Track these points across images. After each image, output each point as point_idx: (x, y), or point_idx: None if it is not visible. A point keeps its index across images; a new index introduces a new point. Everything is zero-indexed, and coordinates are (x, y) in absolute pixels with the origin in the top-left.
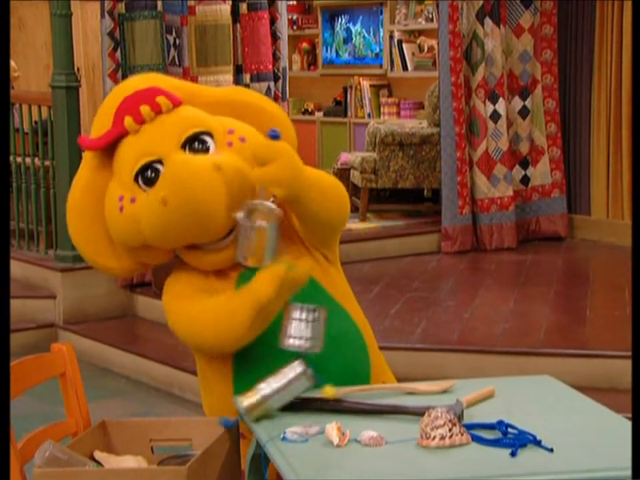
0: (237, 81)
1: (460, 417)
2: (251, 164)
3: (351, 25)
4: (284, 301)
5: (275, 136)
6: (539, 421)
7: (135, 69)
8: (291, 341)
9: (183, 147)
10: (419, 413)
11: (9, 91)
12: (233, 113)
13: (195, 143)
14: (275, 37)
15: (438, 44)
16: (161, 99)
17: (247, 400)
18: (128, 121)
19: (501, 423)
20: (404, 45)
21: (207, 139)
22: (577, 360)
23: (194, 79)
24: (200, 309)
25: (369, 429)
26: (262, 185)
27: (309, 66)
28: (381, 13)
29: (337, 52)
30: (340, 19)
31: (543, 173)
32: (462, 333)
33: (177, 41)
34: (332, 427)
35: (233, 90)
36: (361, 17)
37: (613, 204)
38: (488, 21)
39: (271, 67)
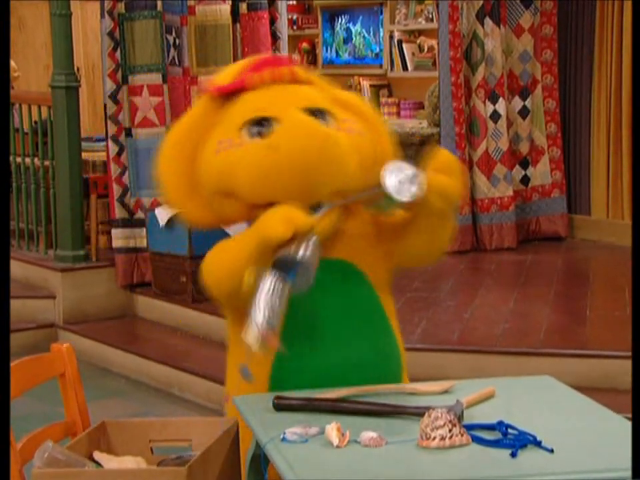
0: None
1: (460, 418)
2: (357, 156)
3: (351, 25)
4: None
5: None
6: (539, 421)
7: (135, 68)
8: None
9: (303, 111)
10: (419, 413)
11: (9, 91)
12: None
13: (314, 114)
14: (274, 37)
15: (438, 44)
16: (289, 70)
17: (250, 334)
18: (253, 77)
19: (501, 423)
20: (404, 45)
21: (326, 115)
22: (577, 360)
23: (194, 79)
24: (220, 251)
25: (368, 430)
26: (437, 190)
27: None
28: (381, 13)
29: (337, 52)
30: (340, 19)
31: (543, 173)
32: (462, 333)
33: (177, 41)
34: (332, 427)
35: (355, 97)
36: (361, 17)
37: (613, 204)
38: (488, 21)
39: None
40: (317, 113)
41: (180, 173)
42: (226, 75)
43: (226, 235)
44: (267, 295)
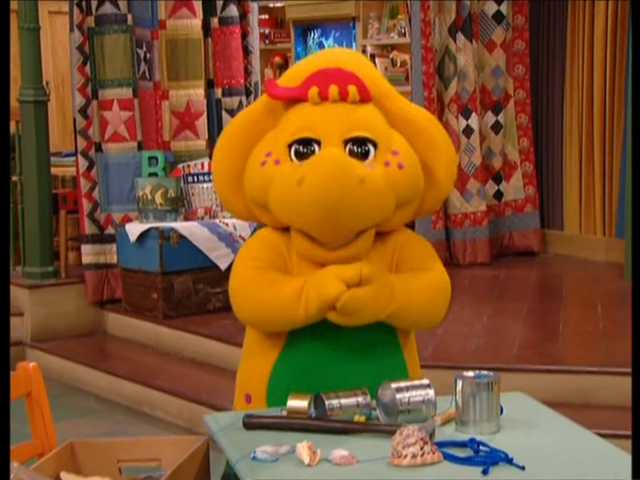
0: (209, 95)
1: (432, 435)
2: (393, 193)
3: (323, 39)
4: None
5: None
6: (510, 438)
7: (105, 83)
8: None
9: (346, 142)
10: (390, 431)
11: (8, 92)
12: (405, 132)
13: (357, 145)
14: (246, 51)
15: (411, 59)
16: (352, 89)
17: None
18: (313, 91)
19: (472, 440)
20: (377, 60)
21: (370, 147)
22: (550, 376)
23: (165, 94)
24: (266, 291)
25: (339, 448)
26: (342, 304)
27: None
28: (354, 28)
29: None
30: (312, 33)
31: (516, 188)
32: (436, 349)
33: (148, 55)
34: (302, 446)
35: (421, 114)
36: (333, 32)
37: (586, 219)
38: (460, 36)
39: (242, 81)
40: (362, 143)
41: (229, 167)
42: (290, 77)
43: (200, 256)
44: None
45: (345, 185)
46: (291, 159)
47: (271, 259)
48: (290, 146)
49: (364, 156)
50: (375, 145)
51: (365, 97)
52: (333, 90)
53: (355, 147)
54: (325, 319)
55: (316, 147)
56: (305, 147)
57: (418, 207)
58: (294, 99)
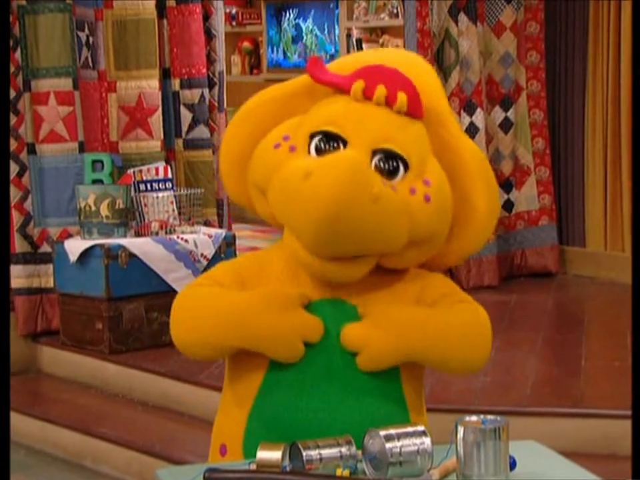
0: (164, 87)
1: None
2: (407, 225)
3: (300, 21)
4: None
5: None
6: None
7: (39, 72)
8: None
9: (374, 152)
10: None
11: (8, 91)
12: (447, 164)
13: (386, 159)
14: (209, 35)
15: (404, 44)
16: (402, 96)
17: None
18: (358, 85)
19: None
20: (364, 45)
21: (400, 166)
22: (570, 420)
23: (111, 85)
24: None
25: None
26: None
27: (251, 69)
28: (337, 7)
29: (284, 53)
30: (288, 14)
31: (529, 197)
32: (434, 389)
33: (91, 39)
34: None
35: (470, 148)
36: (312, 12)
37: (612, 234)
38: (463, 17)
39: (204, 70)
40: (392, 159)
41: (244, 143)
42: (341, 65)
43: (154, 278)
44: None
45: (353, 197)
46: (309, 151)
47: (227, 283)
48: (312, 137)
49: (390, 174)
50: (406, 166)
51: (414, 111)
52: (380, 90)
53: (383, 161)
54: (311, 356)
55: (341, 146)
56: (327, 143)
57: (438, 253)
58: (336, 87)
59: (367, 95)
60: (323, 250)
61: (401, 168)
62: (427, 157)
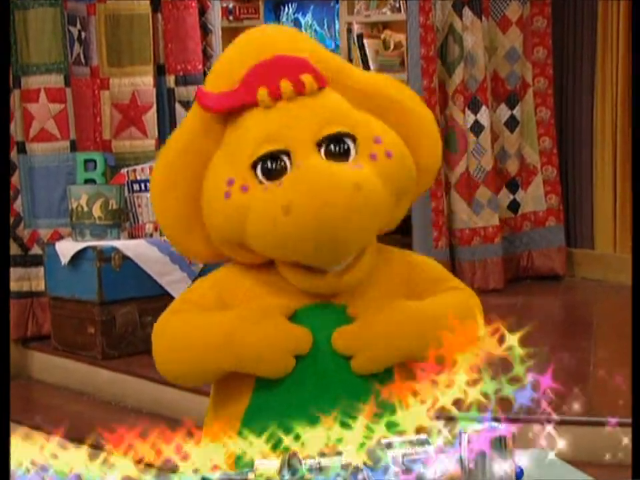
0: (159, 83)
1: None
2: (390, 188)
3: (299, 16)
4: None
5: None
6: None
7: (30, 68)
8: None
9: (319, 144)
10: None
11: (8, 90)
12: (374, 108)
13: (334, 144)
14: (205, 30)
15: (407, 39)
16: (307, 78)
17: None
18: (262, 93)
19: None
20: (365, 41)
21: (349, 142)
22: (580, 429)
23: (104, 82)
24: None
25: None
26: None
27: None
28: (337, 2)
29: None
30: (286, 9)
31: (535, 197)
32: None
33: (83, 35)
34: None
35: (383, 80)
36: (312, 7)
37: (621, 235)
38: (467, 11)
39: (200, 66)
40: (339, 140)
41: (176, 206)
42: (220, 77)
43: (148, 281)
44: None
45: (341, 199)
46: (260, 181)
47: (207, 305)
48: (254, 166)
49: (344, 155)
50: (353, 139)
51: (321, 83)
52: (285, 86)
53: (332, 147)
54: (301, 368)
55: (286, 160)
56: (272, 163)
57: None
58: (237, 109)
59: (275, 96)
60: (333, 260)
61: (350, 143)
62: (362, 117)
